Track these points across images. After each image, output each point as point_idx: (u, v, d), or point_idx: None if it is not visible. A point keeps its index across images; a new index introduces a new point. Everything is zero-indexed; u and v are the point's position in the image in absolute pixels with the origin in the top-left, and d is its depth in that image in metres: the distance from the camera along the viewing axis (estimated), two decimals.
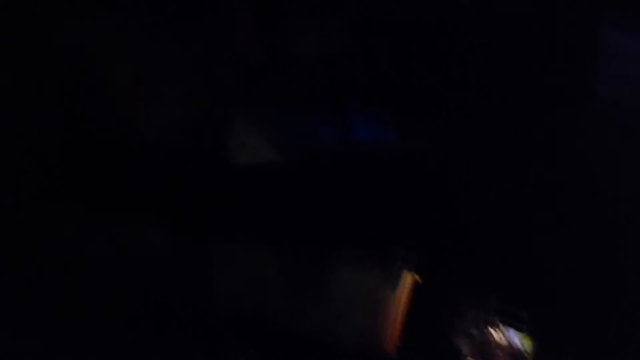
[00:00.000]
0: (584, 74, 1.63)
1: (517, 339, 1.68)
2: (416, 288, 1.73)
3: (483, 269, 1.70)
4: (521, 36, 1.59)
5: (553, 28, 1.59)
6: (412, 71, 1.69)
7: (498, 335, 1.69)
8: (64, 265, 1.69)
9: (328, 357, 1.69)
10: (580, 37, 1.59)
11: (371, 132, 1.75)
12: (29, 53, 1.65)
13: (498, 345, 1.68)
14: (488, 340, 1.68)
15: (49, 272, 1.68)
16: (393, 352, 1.71)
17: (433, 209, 1.71)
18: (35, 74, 1.67)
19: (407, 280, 1.72)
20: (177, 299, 1.70)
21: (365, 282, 1.72)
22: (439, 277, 1.73)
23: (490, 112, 1.68)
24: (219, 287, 1.72)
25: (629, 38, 1.60)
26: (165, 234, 1.71)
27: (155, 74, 1.71)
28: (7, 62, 1.64)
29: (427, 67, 1.68)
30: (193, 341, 1.66)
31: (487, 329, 1.68)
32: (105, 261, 1.70)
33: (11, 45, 1.62)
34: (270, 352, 1.66)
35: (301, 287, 1.71)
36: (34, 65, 1.66)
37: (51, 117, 1.69)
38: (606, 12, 1.57)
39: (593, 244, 1.64)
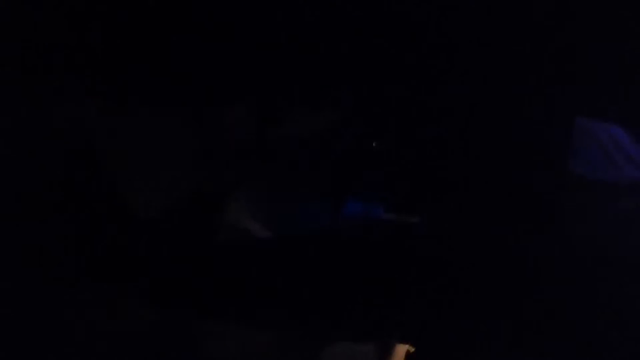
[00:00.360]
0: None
1: None
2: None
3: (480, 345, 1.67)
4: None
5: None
6: (404, 149, 1.72)
7: None
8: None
9: None
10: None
11: (364, 208, 1.76)
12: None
13: None
14: None
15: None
16: None
17: (428, 281, 1.69)
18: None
19: (402, 353, 1.69)
20: None
21: (358, 356, 1.69)
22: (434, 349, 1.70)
23: (485, 186, 1.69)
24: None
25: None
26: (155, 309, 1.69)
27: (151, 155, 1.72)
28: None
29: (419, 146, 1.70)
30: None
31: None
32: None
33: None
34: None
35: None
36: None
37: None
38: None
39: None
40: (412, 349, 1.70)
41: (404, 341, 1.70)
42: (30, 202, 1.65)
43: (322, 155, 1.72)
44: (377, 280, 1.69)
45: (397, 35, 1.62)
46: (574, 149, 1.74)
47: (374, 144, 1.72)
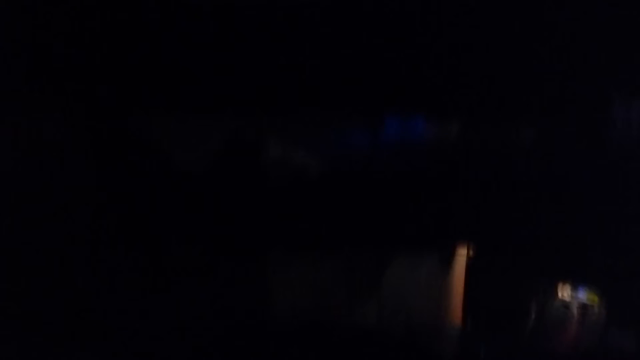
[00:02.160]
0: None
1: (584, 295, 1.68)
2: (473, 267, 1.71)
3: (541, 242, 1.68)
4: None
5: None
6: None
7: (564, 294, 1.68)
8: None
9: (391, 347, 1.68)
10: None
11: (402, 130, 1.74)
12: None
13: (565, 304, 1.68)
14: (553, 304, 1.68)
15: None
16: (456, 333, 1.70)
17: (481, 191, 1.69)
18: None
19: (463, 259, 1.71)
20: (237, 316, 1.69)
21: (421, 268, 1.71)
22: (495, 254, 1.72)
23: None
24: (276, 299, 1.72)
25: None
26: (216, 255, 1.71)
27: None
28: None
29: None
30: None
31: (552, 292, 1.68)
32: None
33: None
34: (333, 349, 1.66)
35: (358, 286, 1.70)
36: None
37: None
38: None
39: None
40: (472, 252, 1.71)
41: (462, 245, 1.72)
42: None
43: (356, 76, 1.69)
44: (432, 191, 1.70)
45: None
46: None
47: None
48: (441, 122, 1.73)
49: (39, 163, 1.61)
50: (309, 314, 1.68)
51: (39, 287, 1.58)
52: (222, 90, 1.65)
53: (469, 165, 1.70)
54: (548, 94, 1.67)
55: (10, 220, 1.59)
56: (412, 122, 1.72)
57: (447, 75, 1.66)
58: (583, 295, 1.69)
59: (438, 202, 1.69)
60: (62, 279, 1.60)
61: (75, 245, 1.62)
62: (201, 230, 1.67)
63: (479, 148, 1.71)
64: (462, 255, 1.72)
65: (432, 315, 1.71)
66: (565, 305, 1.70)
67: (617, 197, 1.65)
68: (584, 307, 1.69)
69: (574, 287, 1.71)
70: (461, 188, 1.68)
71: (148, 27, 1.61)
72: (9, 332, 1.57)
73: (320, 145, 1.70)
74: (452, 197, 1.68)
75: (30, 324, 1.57)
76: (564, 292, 1.71)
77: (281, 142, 1.70)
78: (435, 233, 1.72)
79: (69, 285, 1.60)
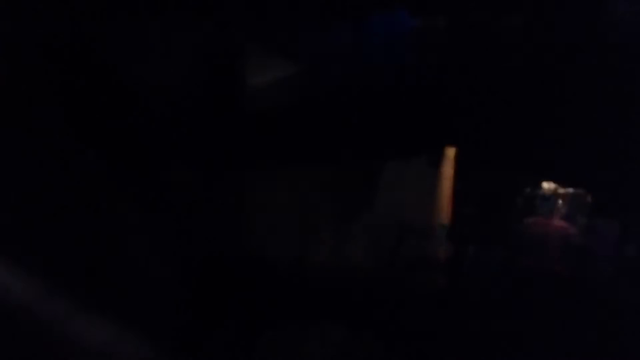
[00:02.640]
0: None
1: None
2: (462, 167, 1.69)
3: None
4: None
5: None
6: None
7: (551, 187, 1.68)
8: None
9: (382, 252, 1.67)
10: None
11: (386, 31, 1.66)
12: None
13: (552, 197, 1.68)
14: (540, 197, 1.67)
15: None
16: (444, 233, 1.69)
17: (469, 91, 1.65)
18: None
19: (452, 160, 1.68)
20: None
21: (411, 169, 1.68)
22: (485, 155, 1.69)
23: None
24: (261, 217, 1.67)
25: None
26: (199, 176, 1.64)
27: None
28: None
29: None
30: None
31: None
32: None
33: None
34: None
35: (346, 194, 1.67)
36: None
37: None
38: None
39: None
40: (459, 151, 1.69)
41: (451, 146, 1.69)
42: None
43: None
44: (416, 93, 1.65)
45: None
46: None
47: None
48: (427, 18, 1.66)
49: None
50: (298, 228, 1.65)
51: None
52: None
53: (454, 63, 1.65)
54: None
55: None
56: (397, 19, 1.65)
57: None
58: (570, 188, 1.69)
59: (423, 104, 1.64)
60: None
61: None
62: (178, 147, 1.60)
63: (464, 43, 1.65)
64: (449, 157, 1.69)
65: (421, 218, 1.69)
66: (552, 198, 1.69)
67: (608, 91, 1.62)
68: (572, 198, 1.69)
69: (562, 181, 1.70)
70: (446, 89, 1.64)
71: None
72: None
73: (302, 50, 1.63)
74: (437, 98, 1.64)
75: None
76: (551, 186, 1.70)
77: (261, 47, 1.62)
78: (422, 136, 1.68)
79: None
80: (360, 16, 1.63)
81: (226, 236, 1.63)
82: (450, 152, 1.69)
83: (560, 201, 1.69)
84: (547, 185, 1.69)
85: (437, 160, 1.69)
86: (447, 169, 1.68)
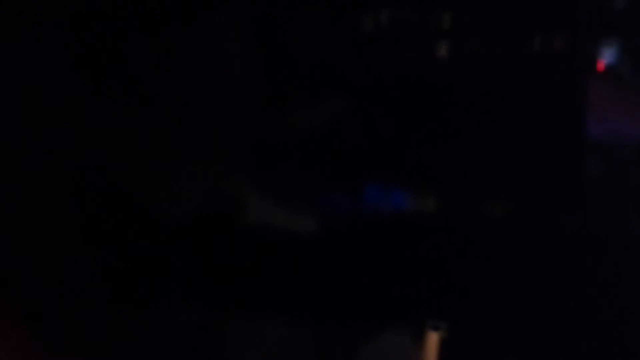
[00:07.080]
0: None
1: None
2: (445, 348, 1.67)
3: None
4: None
5: None
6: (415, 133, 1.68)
7: None
8: None
9: None
10: None
11: (384, 197, 1.72)
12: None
13: None
14: None
15: None
16: None
17: (454, 269, 1.67)
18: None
19: (435, 341, 1.67)
20: None
21: (393, 347, 1.67)
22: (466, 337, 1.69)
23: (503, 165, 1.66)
24: None
25: None
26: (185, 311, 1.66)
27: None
28: None
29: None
30: None
31: None
32: None
33: None
34: None
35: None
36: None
37: None
38: None
39: None
40: (445, 335, 1.67)
41: (436, 327, 1.69)
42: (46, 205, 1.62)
43: (335, 144, 1.69)
44: (406, 265, 1.67)
45: None
46: None
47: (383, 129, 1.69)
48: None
49: None
50: None
51: None
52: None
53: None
54: None
55: None
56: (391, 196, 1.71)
57: None
58: None
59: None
60: None
61: None
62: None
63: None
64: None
65: None
66: None
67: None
68: None
69: None
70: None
71: None
72: None
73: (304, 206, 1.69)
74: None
75: None
76: None
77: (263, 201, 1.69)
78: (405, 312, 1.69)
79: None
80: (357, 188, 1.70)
81: None
82: (434, 335, 1.68)
83: None
84: None
85: (420, 339, 1.68)
86: (431, 351, 1.68)
